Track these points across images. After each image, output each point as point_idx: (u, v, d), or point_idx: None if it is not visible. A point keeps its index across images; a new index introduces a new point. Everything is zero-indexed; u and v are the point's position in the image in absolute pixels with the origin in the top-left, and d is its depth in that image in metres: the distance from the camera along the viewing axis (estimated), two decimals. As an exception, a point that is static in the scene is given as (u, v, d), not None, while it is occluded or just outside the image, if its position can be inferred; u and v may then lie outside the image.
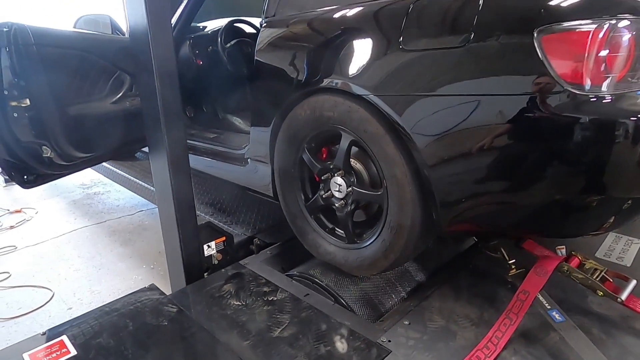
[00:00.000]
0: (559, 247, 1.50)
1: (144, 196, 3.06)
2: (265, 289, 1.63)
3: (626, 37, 1.08)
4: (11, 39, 1.56)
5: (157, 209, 4.27)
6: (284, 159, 1.74)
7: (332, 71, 1.46)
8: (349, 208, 1.57)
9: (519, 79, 1.14)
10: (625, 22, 1.08)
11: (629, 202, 1.19)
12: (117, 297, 1.63)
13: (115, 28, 2.29)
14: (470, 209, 1.31)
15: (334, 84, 1.44)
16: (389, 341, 1.33)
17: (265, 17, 1.82)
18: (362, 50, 1.40)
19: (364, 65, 1.37)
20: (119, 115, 2.02)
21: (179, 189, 1.65)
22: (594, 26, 1.05)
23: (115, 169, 3.17)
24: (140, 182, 2.89)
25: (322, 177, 1.62)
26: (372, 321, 1.50)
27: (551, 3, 1.13)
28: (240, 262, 1.84)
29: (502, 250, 1.54)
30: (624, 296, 1.31)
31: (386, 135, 1.34)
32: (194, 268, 1.78)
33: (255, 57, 1.76)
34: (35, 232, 3.74)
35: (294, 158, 1.71)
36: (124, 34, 2.37)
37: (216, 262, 1.91)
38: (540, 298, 1.34)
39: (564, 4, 1.13)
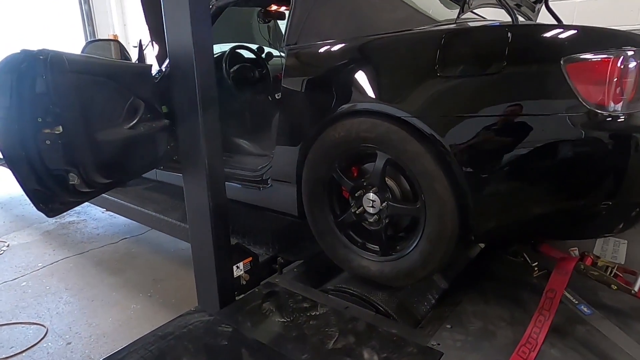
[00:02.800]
0: (572, 249, 1.68)
1: (141, 221, 3.00)
2: (305, 304, 1.68)
3: (632, 64, 1.28)
4: (48, 67, 1.55)
5: (141, 235, 4.13)
6: (313, 179, 1.82)
7: (369, 95, 1.58)
8: (384, 222, 1.67)
9: (549, 102, 1.31)
10: (631, 52, 1.28)
11: (638, 209, 1.38)
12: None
13: (122, 53, 2.30)
14: (505, 217, 1.46)
15: (373, 107, 1.56)
16: (438, 344, 1.43)
17: (287, 45, 1.91)
18: (399, 76, 1.53)
19: (402, 90, 1.50)
20: (135, 140, 2.01)
21: (216, 211, 1.68)
22: (612, 56, 1.24)
23: (110, 197, 3.09)
24: (137, 208, 2.84)
25: (356, 194, 1.72)
26: (412, 327, 1.59)
27: (572, 36, 1.32)
28: (269, 280, 1.88)
29: (525, 254, 1.69)
30: (636, 288, 1.50)
31: (427, 154, 1.47)
32: (227, 289, 1.80)
33: (283, 83, 1.85)
34: (11, 266, 3.52)
35: (324, 177, 1.80)
36: (129, 59, 2.38)
37: (244, 282, 1.93)
38: (567, 295, 1.50)
39: (582, 38, 1.32)
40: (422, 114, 1.44)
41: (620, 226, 1.45)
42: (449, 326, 1.53)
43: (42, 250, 3.79)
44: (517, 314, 1.58)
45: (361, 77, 1.62)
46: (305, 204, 1.89)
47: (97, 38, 2.16)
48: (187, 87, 1.54)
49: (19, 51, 1.56)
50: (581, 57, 1.27)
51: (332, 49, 1.74)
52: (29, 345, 2.53)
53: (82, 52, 2.22)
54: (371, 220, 1.70)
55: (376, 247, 1.76)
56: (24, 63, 1.55)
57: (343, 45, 1.71)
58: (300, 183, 1.90)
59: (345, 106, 1.64)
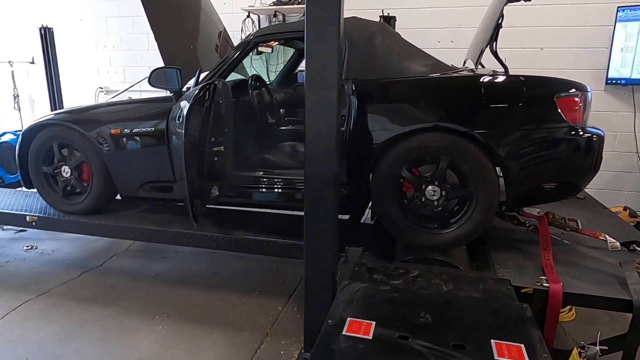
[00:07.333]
0: (537, 210, 2.71)
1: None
2: (401, 271, 2.27)
3: (582, 99, 2.33)
4: (228, 94, 1.79)
5: (102, 266, 3.90)
6: (384, 180, 2.44)
7: (439, 117, 2.32)
8: (443, 205, 2.41)
9: (549, 121, 2.27)
10: (578, 93, 2.33)
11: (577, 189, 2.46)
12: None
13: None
14: (523, 190, 2.37)
15: (444, 125, 2.30)
16: (502, 275, 2.23)
17: (346, 78, 2.49)
18: (460, 105, 2.31)
19: (465, 114, 2.29)
20: None
21: (334, 212, 2.15)
22: (579, 94, 2.27)
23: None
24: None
25: (422, 187, 2.41)
26: (476, 270, 2.36)
27: (555, 82, 2.31)
28: (356, 262, 2.40)
29: (519, 218, 2.65)
30: (580, 227, 2.59)
31: (482, 155, 2.27)
32: (335, 275, 2.26)
33: (358, 105, 2.41)
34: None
35: (393, 178, 2.44)
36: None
37: (333, 268, 2.40)
38: (553, 235, 2.49)
39: (560, 85, 2.31)
40: (481, 129, 2.25)
41: (568, 196, 2.50)
42: (498, 266, 2.34)
43: (-14, 299, 3.27)
44: (525, 254, 2.50)
45: (429, 104, 2.35)
46: (376, 199, 2.49)
47: (163, 66, 2.21)
48: (327, 95, 1.95)
49: (205, 82, 1.74)
50: (562, 95, 2.27)
51: (404, 83, 2.41)
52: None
53: (150, 81, 2.30)
54: (436, 204, 2.41)
55: (434, 225, 2.47)
56: (210, 91, 1.74)
57: (412, 80, 2.41)
58: (354, 185, 2.51)
59: (418, 125, 2.34)
